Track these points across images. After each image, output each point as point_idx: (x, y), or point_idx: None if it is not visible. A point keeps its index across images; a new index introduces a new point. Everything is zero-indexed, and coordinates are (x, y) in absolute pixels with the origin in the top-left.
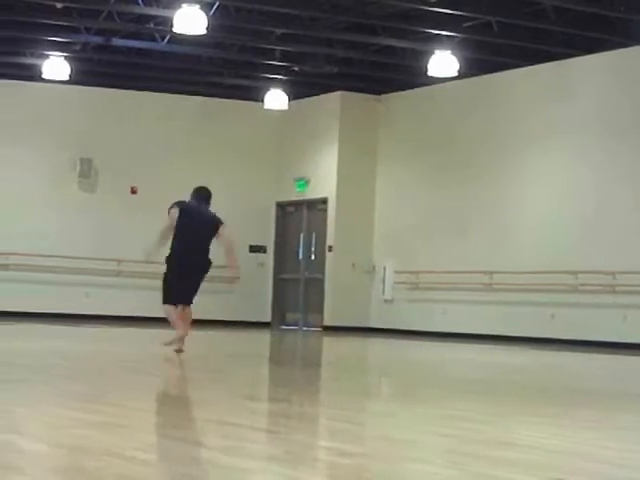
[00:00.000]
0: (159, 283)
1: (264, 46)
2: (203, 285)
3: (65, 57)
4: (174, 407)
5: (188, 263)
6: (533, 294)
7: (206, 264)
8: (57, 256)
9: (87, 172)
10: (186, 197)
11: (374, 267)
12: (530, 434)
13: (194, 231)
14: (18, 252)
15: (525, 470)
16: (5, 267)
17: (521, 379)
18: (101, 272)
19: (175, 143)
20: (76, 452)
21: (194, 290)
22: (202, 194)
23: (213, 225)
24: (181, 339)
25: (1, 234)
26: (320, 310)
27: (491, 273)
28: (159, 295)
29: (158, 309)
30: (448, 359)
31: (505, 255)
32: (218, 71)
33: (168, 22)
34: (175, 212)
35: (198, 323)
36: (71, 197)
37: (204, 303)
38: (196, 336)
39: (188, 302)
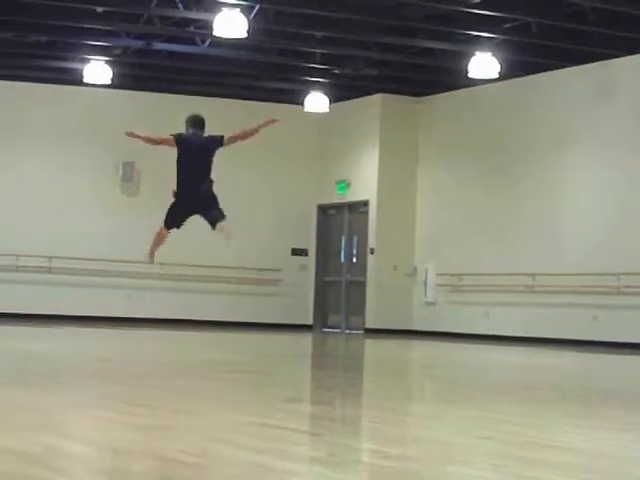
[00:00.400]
0: (202, 286)
1: (304, 49)
2: (245, 288)
3: (106, 61)
4: (218, 409)
5: None
6: (575, 296)
7: None
8: (100, 259)
9: (129, 176)
10: (225, 200)
11: (416, 269)
12: (573, 437)
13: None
14: (61, 255)
15: (567, 473)
16: (48, 270)
17: (563, 381)
18: (143, 275)
19: None
20: (121, 455)
21: None
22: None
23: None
24: None
25: (44, 237)
26: (362, 313)
27: (533, 275)
28: (201, 297)
29: (201, 311)
30: (490, 361)
31: (547, 257)
32: (258, 74)
33: (208, 25)
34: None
35: (241, 326)
36: (113, 200)
37: (247, 306)
38: (239, 339)
39: None
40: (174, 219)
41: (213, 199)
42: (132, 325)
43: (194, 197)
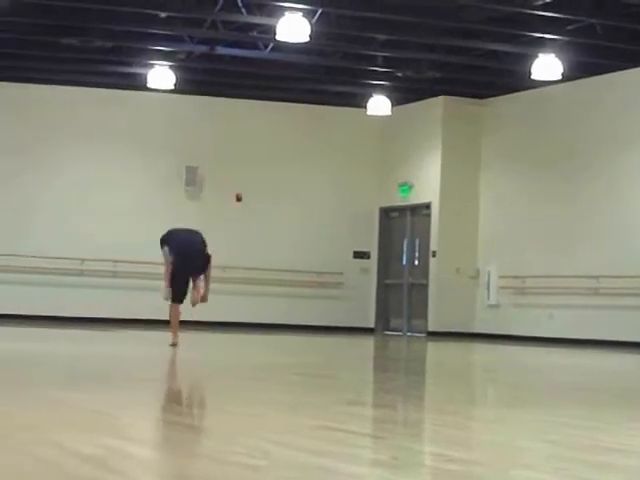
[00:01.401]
0: (263, 289)
1: (367, 52)
2: (307, 291)
3: (170, 66)
4: (278, 412)
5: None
6: None
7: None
8: (164, 264)
9: (192, 180)
10: (290, 202)
11: (478, 272)
12: (638, 440)
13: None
14: (125, 260)
15: (632, 477)
16: (113, 274)
17: (628, 385)
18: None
19: (279, 150)
20: (181, 457)
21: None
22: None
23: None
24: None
25: (109, 242)
26: (424, 315)
27: (597, 277)
28: (263, 300)
29: (262, 314)
30: (554, 364)
31: (611, 259)
32: (321, 78)
33: (271, 30)
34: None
35: (302, 329)
36: (177, 204)
37: (308, 309)
38: (300, 342)
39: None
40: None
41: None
42: (194, 328)
43: None
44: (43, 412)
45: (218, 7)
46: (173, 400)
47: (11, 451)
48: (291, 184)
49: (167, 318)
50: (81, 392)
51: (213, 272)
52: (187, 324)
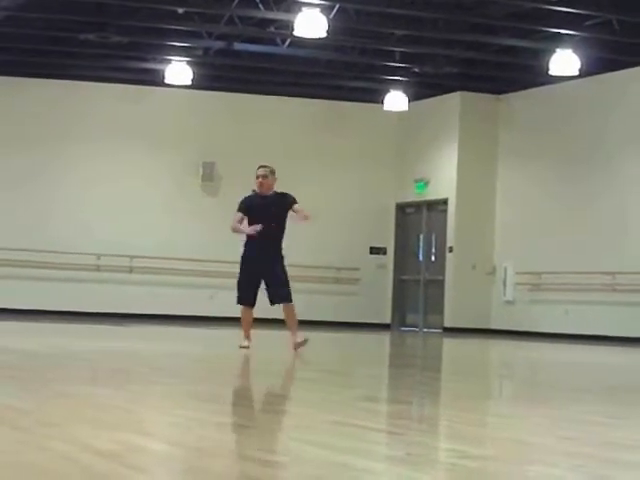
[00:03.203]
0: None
1: (384, 48)
2: (324, 287)
3: (187, 62)
4: (298, 408)
5: None
6: None
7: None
8: (181, 259)
9: (210, 175)
10: (307, 197)
11: (495, 268)
12: None
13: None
14: (143, 255)
15: None
16: (129, 270)
17: None
18: (225, 274)
19: (296, 146)
20: (200, 453)
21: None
22: None
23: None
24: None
25: (126, 238)
26: (440, 311)
27: (613, 274)
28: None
29: (278, 310)
30: (570, 361)
31: (627, 255)
32: (338, 74)
33: (289, 26)
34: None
35: (319, 324)
36: (194, 200)
37: (325, 305)
38: (316, 337)
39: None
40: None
41: None
42: (214, 324)
43: None
44: (61, 408)
45: (235, 3)
46: (195, 397)
47: (30, 447)
48: (307, 180)
49: (186, 314)
50: (100, 388)
51: None
52: (205, 320)
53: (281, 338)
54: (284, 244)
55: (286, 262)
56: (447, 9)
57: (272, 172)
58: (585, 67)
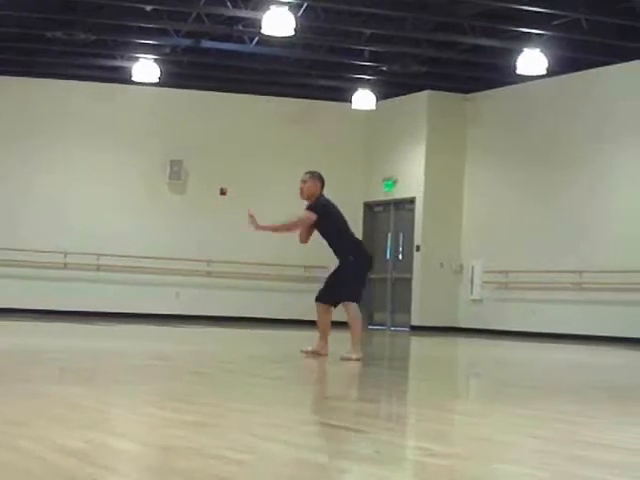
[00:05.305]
0: (248, 283)
1: (352, 46)
2: (291, 285)
3: (155, 59)
4: (264, 406)
5: None
6: (624, 293)
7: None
8: (147, 257)
9: (177, 174)
10: (275, 195)
11: (462, 267)
12: (624, 435)
13: None
14: (109, 253)
15: (617, 472)
16: (96, 268)
17: (613, 379)
18: (191, 272)
19: (264, 144)
20: (170, 452)
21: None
22: None
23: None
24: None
25: (93, 236)
26: (408, 310)
27: (580, 272)
28: (248, 295)
29: (248, 309)
30: (537, 359)
31: (595, 254)
32: (306, 72)
33: (256, 24)
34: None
35: (289, 323)
36: (161, 198)
37: (294, 303)
38: (280, 336)
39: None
40: None
41: None
42: (180, 323)
43: None
44: (31, 407)
45: (203, 1)
46: (161, 396)
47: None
48: (275, 178)
49: (152, 312)
50: (69, 387)
51: None
52: (172, 318)
53: (242, 336)
54: (251, 240)
55: (253, 260)
56: (415, 8)
57: (312, 176)
58: (553, 66)
